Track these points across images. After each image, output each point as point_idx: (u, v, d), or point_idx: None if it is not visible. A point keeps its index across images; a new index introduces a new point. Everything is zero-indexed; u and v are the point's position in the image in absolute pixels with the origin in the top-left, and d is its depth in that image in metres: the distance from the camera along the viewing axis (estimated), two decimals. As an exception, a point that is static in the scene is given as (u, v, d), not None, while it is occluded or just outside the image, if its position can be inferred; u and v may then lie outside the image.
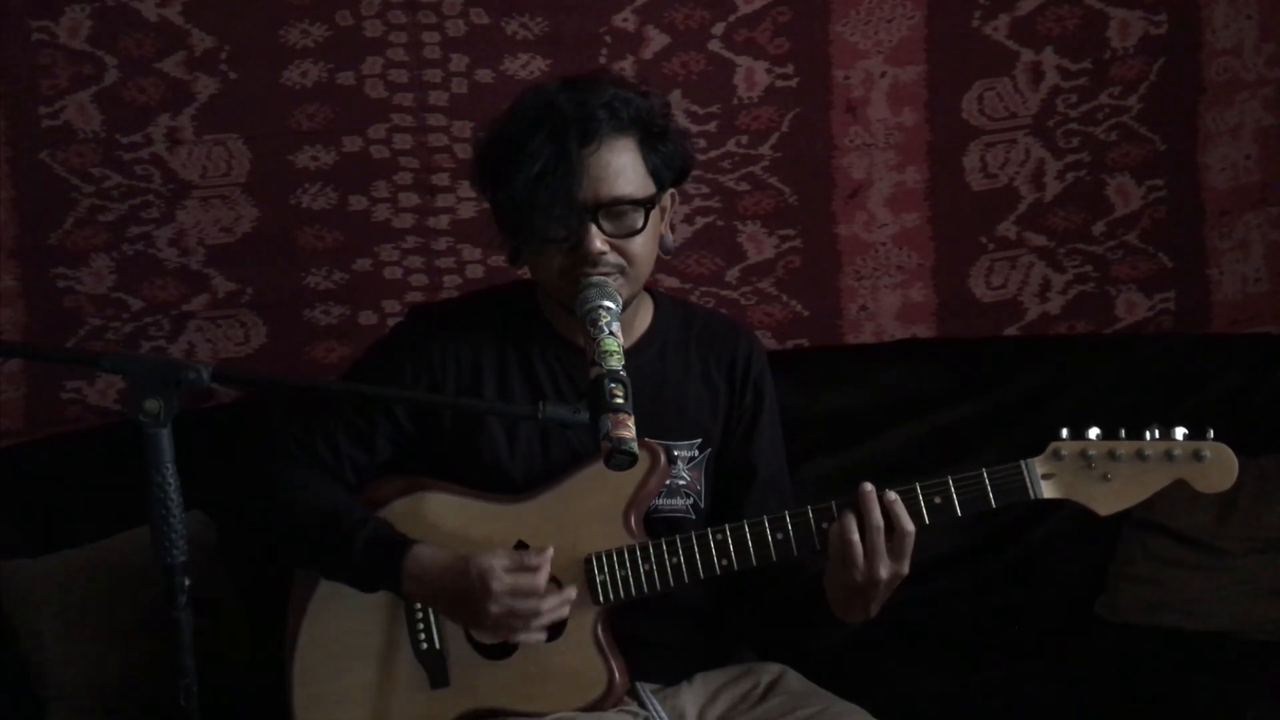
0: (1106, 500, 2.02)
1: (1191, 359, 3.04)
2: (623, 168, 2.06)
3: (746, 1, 3.01)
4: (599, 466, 1.96)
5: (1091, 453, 2.01)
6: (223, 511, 2.26)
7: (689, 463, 2.22)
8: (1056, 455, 2.02)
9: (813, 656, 2.36)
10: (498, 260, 2.86)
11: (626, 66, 2.97)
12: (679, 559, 2.08)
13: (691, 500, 2.22)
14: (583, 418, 1.85)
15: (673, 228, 2.06)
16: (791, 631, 2.37)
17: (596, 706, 2.10)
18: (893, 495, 1.99)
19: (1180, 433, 2.00)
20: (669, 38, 3.00)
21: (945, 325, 3.16)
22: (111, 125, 2.87)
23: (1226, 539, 2.81)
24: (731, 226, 3.08)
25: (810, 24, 3.03)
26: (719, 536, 2.07)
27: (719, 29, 3.01)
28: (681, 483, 2.21)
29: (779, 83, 3.04)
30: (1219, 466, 2.00)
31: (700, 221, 3.07)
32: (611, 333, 1.96)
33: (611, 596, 2.09)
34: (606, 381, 1.88)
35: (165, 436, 1.60)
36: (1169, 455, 2.00)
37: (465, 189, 2.96)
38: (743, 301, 3.10)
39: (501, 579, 2.01)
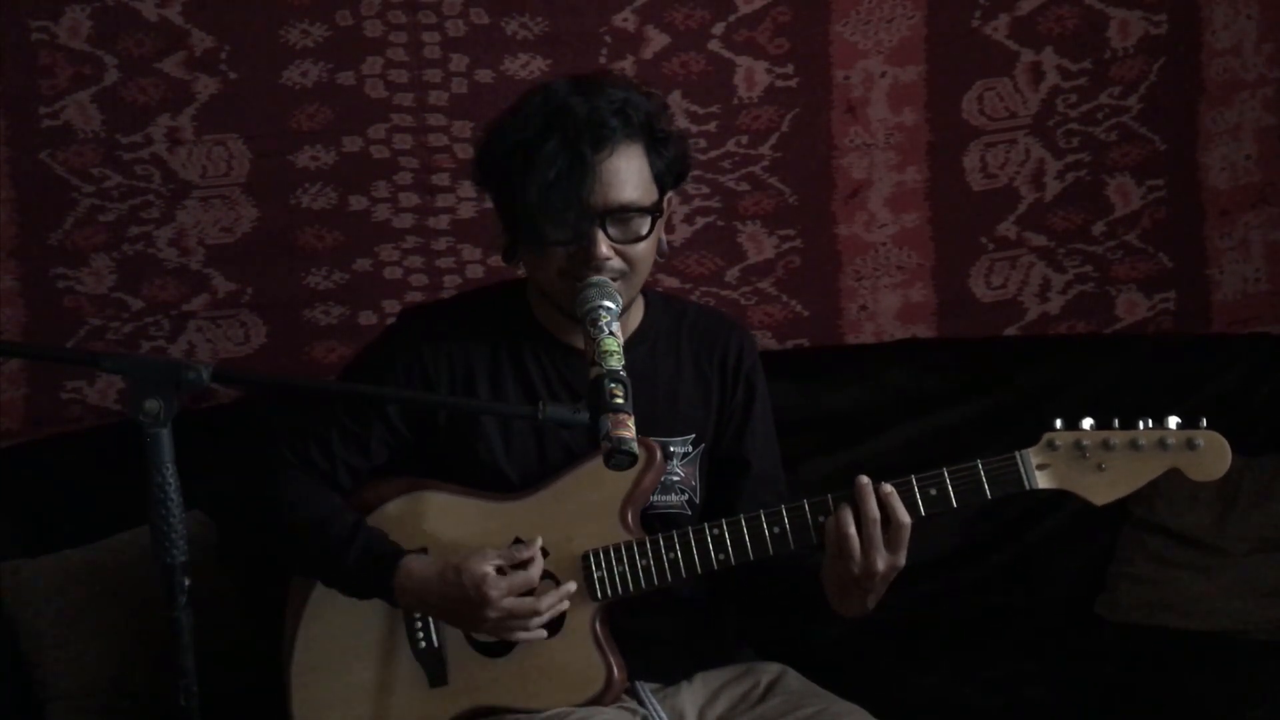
0: (1101, 490, 2.02)
1: (1191, 359, 3.05)
2: (632, 174, 2.06)
3: (746, 1, 3.01)
4: (595, 464, 1.96)
5: (1086, 443, 2.01)
6: (223, 516, 2.26)
7: (683, 458, 2.22)
8: (1051, 446, 2.02)
9: (813, 656, 2.36)
10: (498, 260, 2.82)
11: (626, 66, 2.97)
12: (676, 554, 2.08)
13: (687, 496, 2.22)
14: (583, 417, 1.85)
15: (671, 229, 2.08)
16: (789, 624, 2.38)
17: (595, 702, 2.10)
18: (888, 487, 2.00)
19: (1174, 422, 2.01)
20: (669, 38, 3.00)
21: (945, 325, 3.16)
22: (111, 125, 2.87)
23: (1226, 539, 2.81)
24: (731, 226, 3.08)
25: (810, 24, 3.03)
26: (716, 532, 2.08)
27: (719, 29, 3.01)
28: (676, 479, 2.21)
29: (779, 83, 3.04)
30: (1212, 454, 2.01)
31: (700, 221, 3.07)
32: (611, 333, 1.96)
33: (609, 593, 2.09)
34: (606, 381, 1.88)
35: (165, 436, 1.60)
36: (1163, 444, 2.00)
37: (465, 189, 2.96)
38: (743, 301, 3.10)
39: (497, 584, 2.01)
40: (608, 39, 2.98)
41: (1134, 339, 3.14)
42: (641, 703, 2.16)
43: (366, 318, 2.99)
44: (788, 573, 2.15)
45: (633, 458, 1.85)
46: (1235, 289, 3.18)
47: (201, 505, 2.49)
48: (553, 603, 2.04)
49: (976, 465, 2.03)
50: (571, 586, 2.06)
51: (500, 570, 2.03)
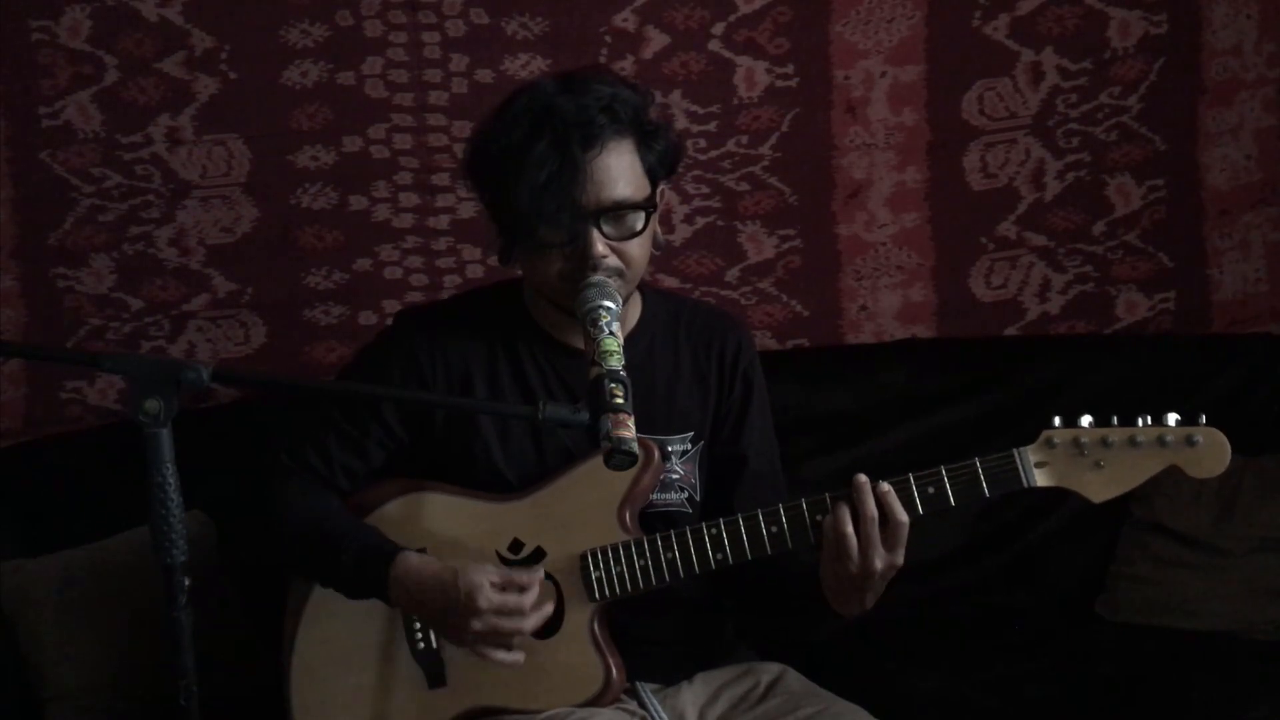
0: (1100, 487, 2.02)
1: (1191, 359, 3.05)
2: (623, 170, 2.05)
3: (746, 1, 3.01)
4: (594, 464, 1.96)
5: (1084, 440, 2.01)
6: (223, 519, 2.26)
7: (681, 456, 2.22)
8: (1049, 443, 2.02)
9: (813, 656, 2.36)
10: (498, 260, 2.86)
11: (626, 66, 2.97)
12: (674, 554, 2.08)
13: (686, 494, 2.22)
14: (583, 417, 1.85)
15: (670, 228, 2.06)
16: (789, 623, 2.37)
17: (594, 703, 2.10)
18: (886, 486, 1.99)
19: (1172, 419, 2.00)
20: (669, 38, 3.00)
21: (945, 325, 3.16)
22: (111, 125, 2.87)
23: (1226, 539, 2.81)
24: (731, 226, 3.08)
25: (810, 24, 3.04)
26: (713, 531, 2.07)
27: (719, 29, 3.01)
28: (675, 477, 2.21)
29: (779, 83, 3.05)
30: (1211, 451, 2.00)
31: (700, 221, 3.07)
32: (611, 333, 1.96)
33: (608, 593, 2.09)
34: (606, 381, 1.88)
35: (165, 436, 1.60)
36: (1161, 441, 2.00)
37: (465, 189, 2.96)
38: (743, 301, 3.10)
39: (489, 597, 2.00)
40: (608, 39, 2.98)
41: (1134, 339, 3.15)
42: (642, 703, 2.16)
43: (366, 318, 3.00)
44: (785, 571, 2.15)
45: (633, 458, 1.84)
46: (1235, 289, 3.19)
47: (202, 505, 2.51)
48: (537, 624, 2.03)
49: (975, 463, 2.02)
50: (549, 609, 2.04)
51: (495, 586, 2.02)
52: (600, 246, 2.03)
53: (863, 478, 1.99)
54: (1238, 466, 2.06)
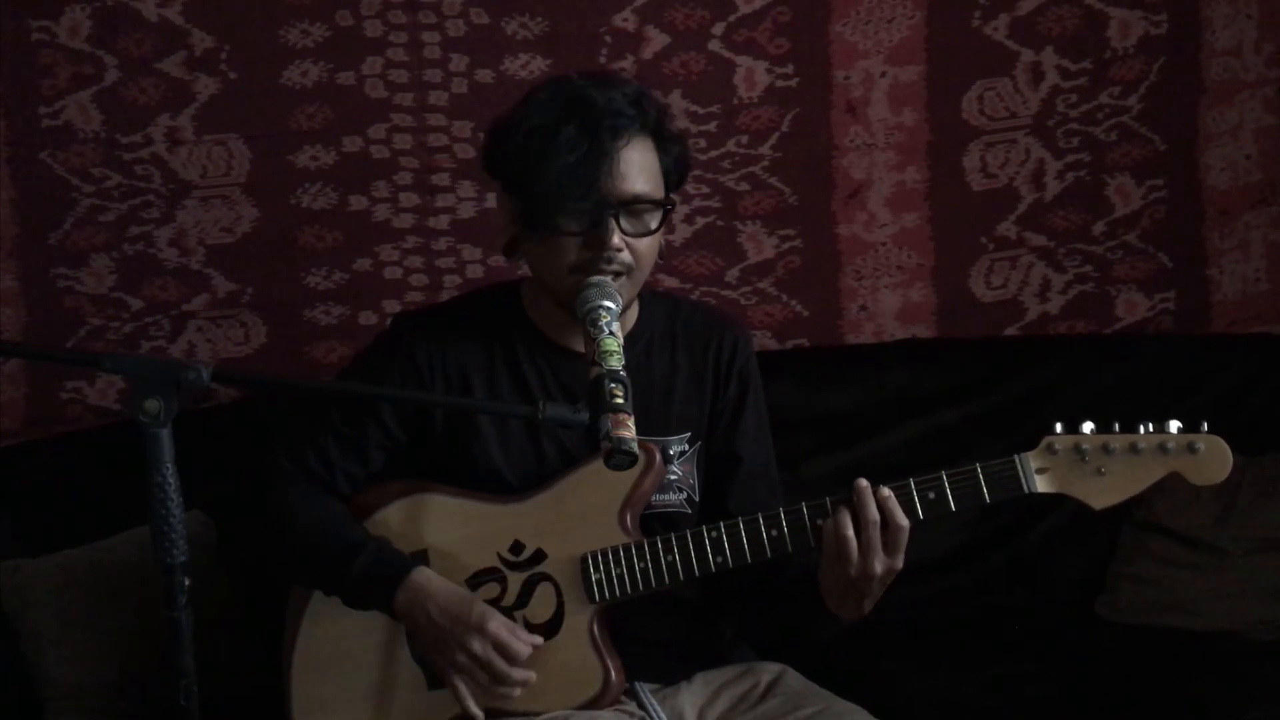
0: (1101, 494, 2.02)
1: (1191, 359, 3.05)
2: (645, 166, 2.07)
3: (746, 1, 3.01)
4: (595, 466, 1.96)
5: (1085, 446, 2.01)
6: (224, 522, 2.26)
7: (680, 456, 2.22)
8: (1050, 449, 2.02)
9: (813, 656, 2.36)
10: (498, 260, 2.86)
11: (626, 66, 2.97)
12: (674, 557, 2.08)
13: (685, 494, 2.22)
14: (583, 417, 1.85)
15: (671, 229, 2.07)
16: (785, 625, 2.37)
17: (593, 705, 2.10)
18: (887, 491, 1.99)
19: (1174, 426, 2.00)
20: (669, 38, 3.00)
21: (945, 325, 3.16)
22: (111, 125, 2.87)
23: (1226, 539, 2.81)
24: (731, 226, 3.08)
25: (810, 24, 3.04)
26: (714, 534, 2.08)
27: (719, 29, 3.01)
28: (674, 477, 2.21)
29: (779, 83, 3.04)
30: (1213, 458, 2.00)
31: (700, 221, 3.07)
32: (611, 333, 1.96)
33: (608, 595, 2.09)
34: (606, 381, 1.88)
35: (165, 436, 1.60)
36: (1163, 448, 2.00)
37: (465, 189, 2.96)
38: (743, 301, 3.10)
39: (499, 627, 2.03)
40: (608, 39, 2.98)
41: (1134, 339, 3.15)
42: (641, 704, 2.16)
43: (366, 318, 2.99)
44: (784, 574, 2.15)
45: (633, 458, 1.84)
46: (1235, 289, 3.18)
47: (202, 505, 2.51)
48: (519, 679, 2.05)
49: (975, 469, 2.02)
50: (532, 676, 2.06)
51: (506, 625, 2.05)
52: (617, 238, 2.03)
53: (864, 482, 1.99)
54: (1238, 466, 2.05)
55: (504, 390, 2.17)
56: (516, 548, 2.13)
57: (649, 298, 2.27)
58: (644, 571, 2.09)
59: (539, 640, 2.07)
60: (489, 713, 2.11)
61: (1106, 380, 3.00)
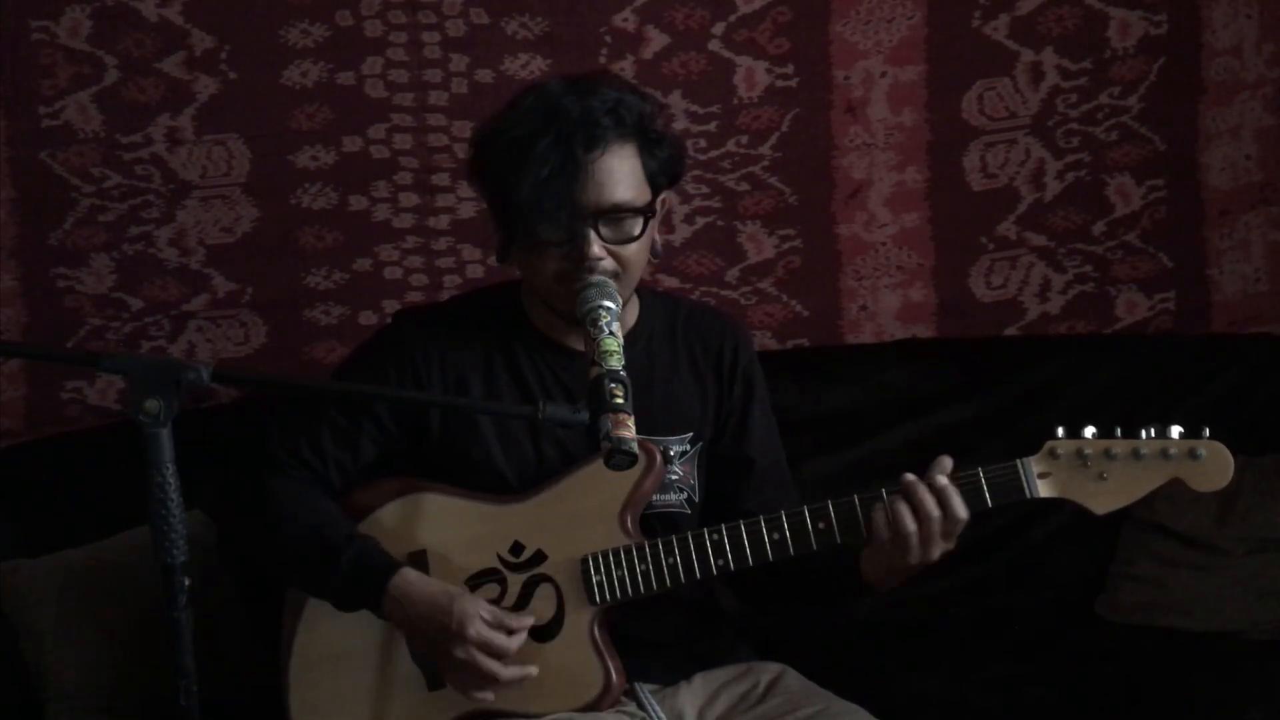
0: (1102, 499, 2.02)
1: (1191, 359, 3.04)
2: (624, 174, 2.06)
3: (746, 1, 3.01)
4: (595, 466, 1.96)
5: (1087, 452, 2.01)
6: (220, 517, 2.26)
7: (680, 456, 2.22)
8: (1052, 454, 2.02)
9: (813, 656, 2.36)
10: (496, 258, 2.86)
11: (626, 66, 2.97)
12: (675, 559, 2.08)
13: (685, 495, 2.22)
14: (583, 417, 1.85)
15: (670, 228, 2.07)
16: (789, 618, 2.38)
17: (593, 707, 2.10)
18: (944, 481, 2.01)
19: (1176, 431, 2.00)
20: (669, 38, 3.00)
21: (945, 325, 3.16)
22: (111, 125, 2.87)
23: (1226, 539, 2.81)
24: (731, 226, 3.08)
25: (810, 24, 3.03)
26: (715, 537, 2.08)
27: (719, 29, 3.01)
28: (674, 477, 2.21)
29: (779, 83, 3.04)
30: (1215, 465, 2.00)
31: (700, 221, 3.07)
32: (611, 333, 1.96)
33: (608, 597, 2.09)
34: (606, 381, 1.88)
35: (165, 436, 1.60)
36: (1165, 454, 2.00)
37: (465, 189, 2.96)
38: (743, 301, 3.10)
39: (479, 629, 2.02)
40: (608, 39, 2.98)
41: (1134, 339, 3.14)
42: (641, 705, 2.16)
43: (366, 318, 2.99)
44: (812, 562, 2.13)
45: (633, 458, 1.84)
46: (1235, 289, 3.18)
47: (202, 505, 2.50)
48: (513, 676, 2.04)
49: (977, 473, 2.03)
50: (533, 670, 2.05)
51: (485, 622, 2.03)
52: (597, 248, 2.04)
53: (911, 476, 2.02)
54: (1238, 466, 2.05)
55: (504, 390, 2.17)
56: (516, 548, 2.13)
57: (649, 298, 2.27)
58: (645, 574, 2.08)
59: (529, 621, 2.06)
60: (485, 714, 2.11)
61: (1106, 380, 3.00)
